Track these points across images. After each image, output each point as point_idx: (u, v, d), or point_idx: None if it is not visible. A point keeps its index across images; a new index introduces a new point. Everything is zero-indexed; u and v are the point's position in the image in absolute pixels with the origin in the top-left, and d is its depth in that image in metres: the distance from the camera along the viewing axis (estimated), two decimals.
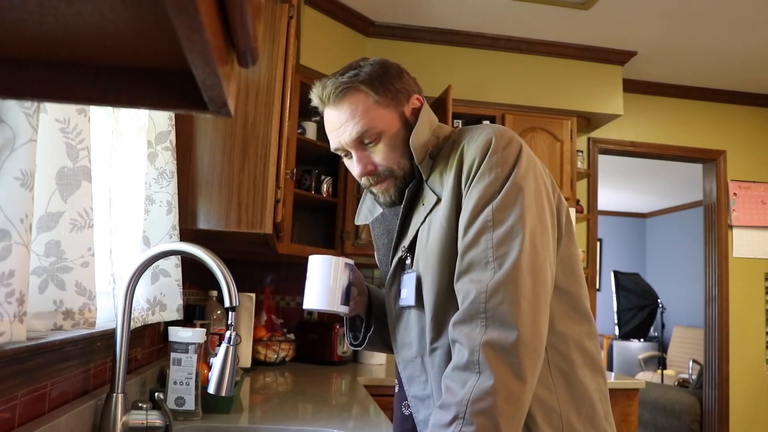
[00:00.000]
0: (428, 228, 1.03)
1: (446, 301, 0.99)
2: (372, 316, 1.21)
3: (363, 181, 1.10)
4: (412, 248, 1.07)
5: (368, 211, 1.22)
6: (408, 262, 1.07)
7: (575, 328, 1.01)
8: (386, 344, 1.23)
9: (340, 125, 1.06)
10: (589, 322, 1.03)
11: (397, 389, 1.14)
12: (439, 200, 1.02)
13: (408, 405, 1.09)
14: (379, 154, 1.07)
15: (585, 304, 1.04)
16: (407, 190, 1.08)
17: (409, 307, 1.05)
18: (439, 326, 0.99)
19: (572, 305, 1.02)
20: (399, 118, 1.07)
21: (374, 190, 1.11)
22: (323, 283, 1.10)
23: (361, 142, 1.06)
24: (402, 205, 1.09)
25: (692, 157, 4.01)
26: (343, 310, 1.11)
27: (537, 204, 0.97)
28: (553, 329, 0.97)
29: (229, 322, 1.15)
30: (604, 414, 1.01)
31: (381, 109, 1.05)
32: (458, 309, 0.95)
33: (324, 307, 1.10)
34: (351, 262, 1.14)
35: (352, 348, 1.26)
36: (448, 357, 0.97)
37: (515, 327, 0.88)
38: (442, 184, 1.02)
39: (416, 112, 1.09)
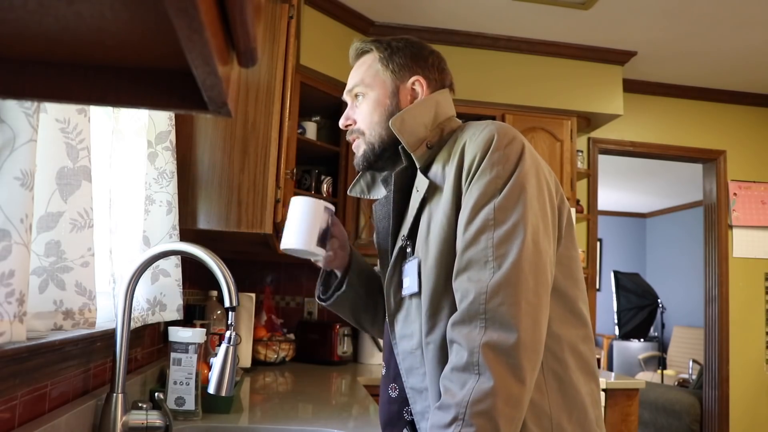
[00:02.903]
0: (428, 219, 1.03)
1: (441, 297, 0.98)
2: (348, 276, 1.22)
3: (347, 134, 1.18)
4: (412, 236, 1.07)
5: (365, 186, 1.24)
6: (409, 250, 1.06)
7: (570, 330, 1.00)
8: (353, 312, 1.27)
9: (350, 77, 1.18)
10: (584, 326, 1.02)
11: (384, 372, 1.14)
12: (433, 186, 1.03)
13: (395, 387, 1.09)
14: (359, 113, 1.14)
15: (581, 307, 1.03)
16: (395, 174, 1.09)
17: (412, 295, 1.04)
18: (433, 321, 0.99)
19: (568, 308, 1.01)
20: (391, 87, 1.13)
21: (353, 146, 1.17)
22: (301, 223, 1.12)
23: (354, 96, 1.15)
24: (392, 191, 1.10)
25: (692, 157, 4.01)
26: (319, 251, 1.12)
27: (539, 204, 0.96)
28: (548, 331, 0.95)
29: (229, 322, 1.15)
30: (595, 418, 1.00)
31: (380, 73, 1.13)
32: (453, 305, 0.95)
33: (300, 246, 1.11)
34: (332, 207, 1.16)
35: (318, 302, 1.27)
36: (440, 353, 0.97)
37: (515, 328, 0.87)
38: (443, 177, 1.02)
39: (413, 93, 1.13)
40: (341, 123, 1.17)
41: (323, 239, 1.13)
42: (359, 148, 1.15)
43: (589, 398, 0.99)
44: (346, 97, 1.18)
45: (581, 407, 0.97)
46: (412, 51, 1.14)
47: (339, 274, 1.25)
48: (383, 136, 1.11)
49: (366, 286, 1.25)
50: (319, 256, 1.15)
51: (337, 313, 1.28)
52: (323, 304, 1.27)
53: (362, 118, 1.14)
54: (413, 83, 1.12)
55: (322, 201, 1.14)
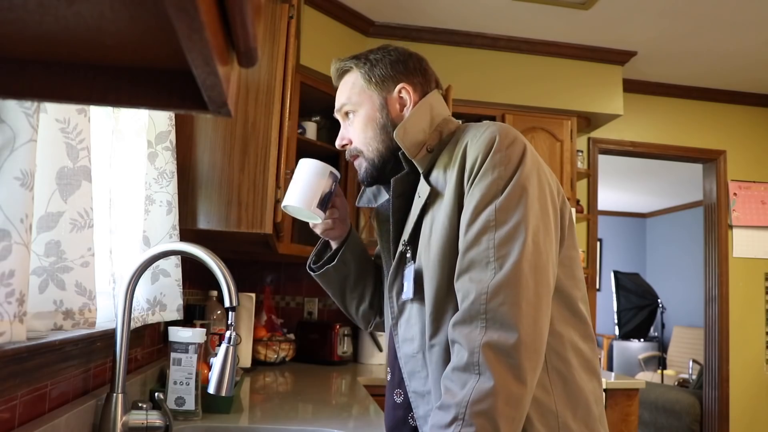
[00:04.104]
0: (431, 223, 1.03)
1: (445, 298, 0.99)
2: (342, 251, 1.24)
3: (346, 153, 1.18)
4: (412, 241, 1.07)
5: (372, 195, 1.24)
6: (408, 255, 1.07)
7: (571, 329, 1.00)
8: (340, 291, 1.28)
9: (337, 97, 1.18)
10: (585, 325, 1.03)
11: (389, 377, 1.14)
12: (435, 192, 1.03)
13: (400, 393, 1.09)
14: (353, 132, 1.14)
15: (581, 307, 1.03)
16: (394, 180, 1.10)
17: (411, 300, 1.05)
18: (437, 323, 0.99)
19: (570, 308, 1.01)
20: (379, 101, 1.12)
21: (355, 165, 1.17)
22: (305, 183, 1.13)
23: (345, 115, 1.16)
24: (392, 197, 1.11)
25: (692, 157, 4.01)
26: (318, 214, 1.14)
27: (540, 204, 0.96)
28: (551, 330, 0.96)
29: (229, 322, 1.15)
30: (598, 416, 1.01)
31: (366, 89, 1.13)
32: (457, 307, 0.95)
33: (300, 205, 1.12)
34: (337, 173, 1.17)
35: (308, 270, 1.30)
36: (445, 354, 0.97)
37: (516, 329, 0.87)
38: (445, 180, 1.03)
39: (402, 101, 1.12)
40: (338, 144, 1.18)
41: (324, 203, 1.15)
42: (361, 166, 1.15)
43: (592, 396, 1.00)
44: (337, 115, 1.19)
45: (585, 405, 0.98)
46: (391, 60, 1.14)
47: (334, 247, 1.26)
48: (380, 149, 1.12)
49: (358, 267, 1.26)
50: (318, 220, 1.17)
51: (325, 287, 1.30)
52: (312, 274, 1.28)
53: (356, 136, 1.14)
54: (399, 91, 1.12)
55: (329, 165, 1.16)
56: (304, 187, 1.13)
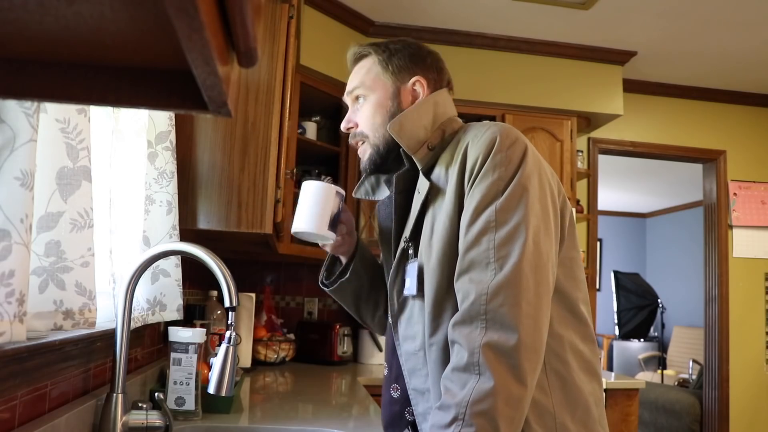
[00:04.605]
0: (432, 222, 1.03)
1: (444, 298, 0.99)
2: (353, 264, 1.24)
3: (349, 137, 1.18)
4: (414, 238, 1.07)
5: (370, 188, 1.24)
6: (411, 252, 1.07)
7: (571, 331, 1.00)
8: (355, 302, 1.27)
9: (349, 80, 1.19)
10: (585, 326, 1.03)
11: (386, 373, 1.15)
12: (435, 189, 1.04)
13: (397, 388, 1.10)
14: (361, 116, 1.14)
15: (582, 308, 1.03)
16: (396, 177, 1.10)
17: (413, 297, 1.05)
18: (436, 322, 0.99)
19: (570, 309, 1.01)
20: (392, 89, 1.13)
21: (358, 151, 1.17)
22: (313, 206, 1.13)
23: (355, 99, 1.16)
24: (394, 193, 1.11)
25: (692, 157, 4.01)
26: (330, 235, 1.14)
27: (541, 205, 0.96)
28: (550, 331, 0.96)
29: (229, 322, 1.15)
30: (598, 417, 1.00)
31: (381, 75, 1.13)
32: (456, 307, 0.95)
33: (312, 229, 1.12)
34: (342, 192, 1.17)
35: (321, 287, 1.30)
36: (444, 354, 0.97)
37: (516, 329, 0.87)
38: (446, 179, 1.03)
39: (415, 93, 1.13)
40: (343, 126, 1.17)
41: (334, 223, 1.15)
42: (365, 152, 1.15)
43: (592, 397, 1.00)
44: (346, 98, 1.18)
45: (584, 406, 0.98)
46: (410, 52, 1.14)
47: (344, 260, 1.26)
48: (387, 137, 1.11)
49: (370, 276, 1.26)
50: (329, 240, 1.17)
51: (339, 301, 1.30)
52: (326, 289, 1.28)
53: (364, 120, 1.14)
54: (414, 84, 1.13)
55: (334, 185, 1.16)
56: (314, 211, 1.13)
